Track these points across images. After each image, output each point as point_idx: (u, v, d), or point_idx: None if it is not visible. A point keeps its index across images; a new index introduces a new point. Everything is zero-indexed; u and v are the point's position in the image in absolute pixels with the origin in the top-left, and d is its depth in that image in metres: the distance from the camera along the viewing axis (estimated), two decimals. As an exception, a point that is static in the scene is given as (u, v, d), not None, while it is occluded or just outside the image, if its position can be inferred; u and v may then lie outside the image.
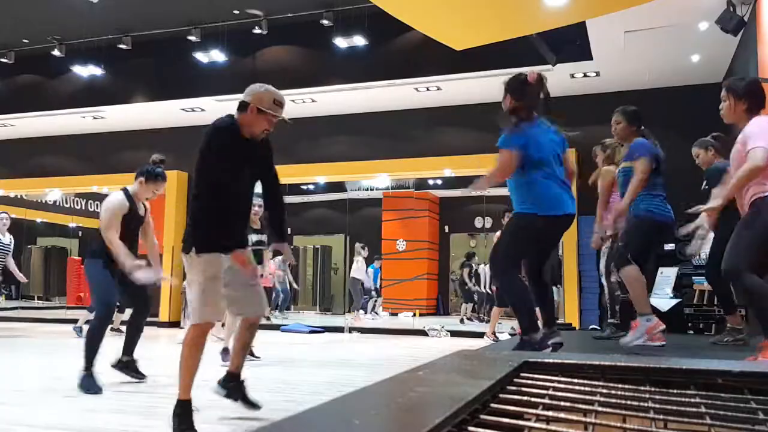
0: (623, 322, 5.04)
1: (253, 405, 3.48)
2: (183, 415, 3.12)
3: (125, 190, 4.67)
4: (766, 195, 3.24)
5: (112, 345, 4.83)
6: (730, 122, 3.54)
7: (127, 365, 4.71)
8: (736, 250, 3.28)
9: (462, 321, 12.60)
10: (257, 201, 6.04)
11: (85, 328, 5.22)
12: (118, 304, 5.24)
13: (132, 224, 4.64)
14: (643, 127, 4.27)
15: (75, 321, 9.30)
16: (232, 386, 3.48)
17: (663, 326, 3.75)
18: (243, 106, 3.24)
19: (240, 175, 3.22)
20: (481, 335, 9.31)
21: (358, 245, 13.41)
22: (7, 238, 8.67)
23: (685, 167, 5.20)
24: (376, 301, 14.11)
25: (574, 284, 9.13)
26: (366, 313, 13.17)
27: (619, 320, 5.06)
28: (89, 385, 4.25)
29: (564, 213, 3.53)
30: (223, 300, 3.24)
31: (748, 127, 3.33)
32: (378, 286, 14.20)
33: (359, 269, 13.11)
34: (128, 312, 5.20)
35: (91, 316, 4.76)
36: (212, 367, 5.37)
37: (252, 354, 6.06)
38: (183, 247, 3.20)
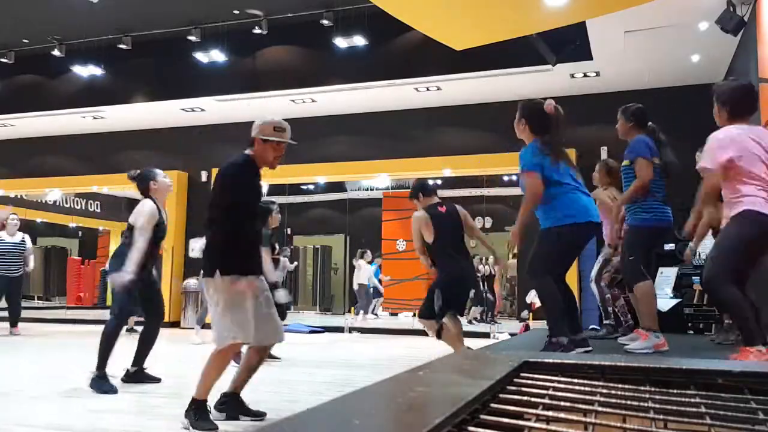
0: (617, 321, 5.06)
1: (257, 415, 3.48)
2: (198, 410, 3.22)
3: (153, 200, 4.70)
4: (740, 212, 3.17)
5: (126, 346, 4.82)
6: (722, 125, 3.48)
7: (136, 375, 4.71)
8: (715, 262, 3.25)
9: (470, 322, 12.64)
10: (275, 206, 6.18)
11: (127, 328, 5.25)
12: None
13: (159, 233, 4.68)
14: (650, 124, 4.16)
15: (75, 321, 9.31)
16: (230, 406, 3.48)
17: (667, 348, 3.79)
18: (251, 143, 3.43)
19: (257, 204, 3.43)
20: (482, 336, 9.32)
21: (360, 252, 13.44)
22: (19, 237, 8.71)
23: (684, 168, 5.19)
24: (377, 301, 14.12)
25: (574, 285, 9.13)
26: (366, 313, 13.19)
27: (614, 321, 5.07)
28: (102, 385, 4.26)
29: (591, 220, 3.63)
30: (251, 321, 3.27)
31: (708, 141, 3.28)
32: (379, 285, 14.19)
33: (364, 275, 13.14)
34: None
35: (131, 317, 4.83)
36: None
37: (272, 355, 6.04)
38: (204, 273, 3.31)
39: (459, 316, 5.10)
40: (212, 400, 3.46)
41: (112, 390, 4.25)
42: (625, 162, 4.07)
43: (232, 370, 3.55)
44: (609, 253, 5.08)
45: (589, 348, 3.65)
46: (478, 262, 13.52)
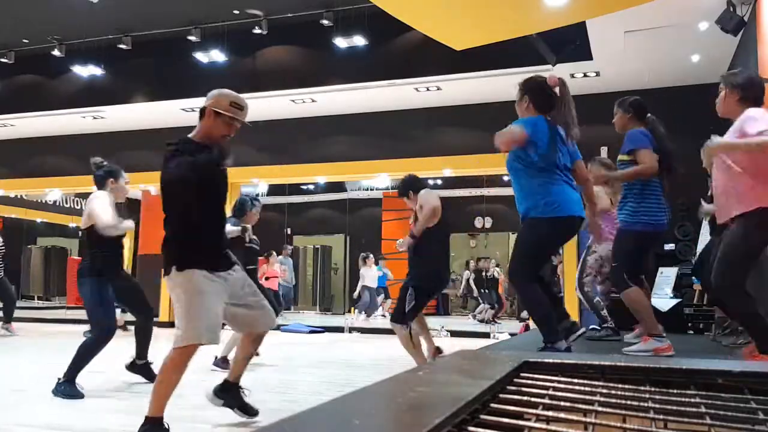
0: (618, 323, 5.01)
1: (251, 412, 3.45)
2: (153, 430, 3.01)
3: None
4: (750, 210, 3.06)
5: (122, 345, 4.82)
6: (723, 115, 3.39)
7: (140, 368, 4.71)
8: (725, 266, 3.14)
9: (484, 321, 12.68)
10: (258, 202, 6.04)
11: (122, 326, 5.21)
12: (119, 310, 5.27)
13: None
14: (649, 115, 4.00)
15: (75, 321, 9.29)
16: (230, 395, 3.44)
17: (672, 352, 3.64)
18: (201, 112, 3.23)
19: (207, 193, 3.14)
20: (482, 336, 9.32)
21: (362, 256, 13.47)
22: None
23: (684, 168, 5.19)
24: (386, 303, 14.12)
25: (574, 285, 9.13)
26: (368, 315, 13.20)
27: (612, 324, 5.00)
28: (70, 391, 4.18)
29: (573, 215, 3.44)
30: (215, 318, 3.08)
31: (745, 113, 3.12)
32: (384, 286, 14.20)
33: (371, 277, 13.18)
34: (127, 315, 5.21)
35: (126, 316, 4.79)
36: (209, 374, 5.37)
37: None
38: (164, 271, 3.10)
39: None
40: (209, 393, 3.45)
41: (79, 395, 4.16)
42: (623, 157, 3.88)
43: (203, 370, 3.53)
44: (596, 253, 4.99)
45: (582, 330, 3.61)
46: (487, 264, 13.57)
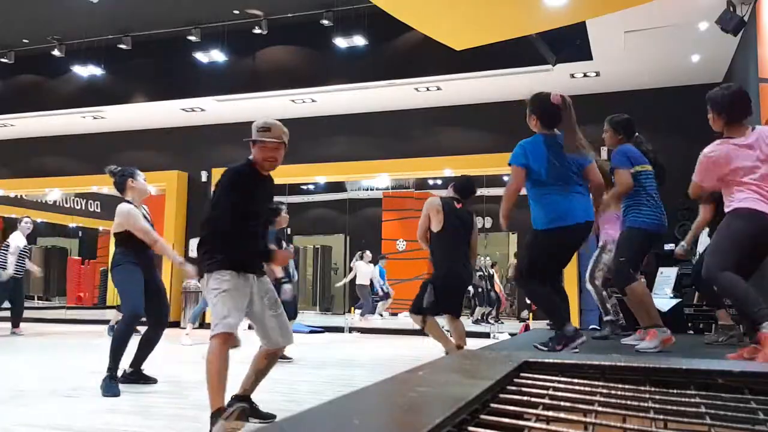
0: (628, 322, 5.05)
1: (266, 417, 3.45)
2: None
3: (129, 201, 4.76)
4: (731, 209, 3.31)
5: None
6: (717, 131, 3.56)
7: (132, 376, 4.71)
8: (712, 256, 3.35)
9: (477, 321, 12.67)
10: (283, 206, 6.22)
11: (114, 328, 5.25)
12: None
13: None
14: (637, 135, 4.29)
15: (75, 321, 9.31)
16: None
17: (674, 341, 3.86)
18: (251, 146, 3.45)
19: (254, 211, 3.35)
20: (482, 336, 9.32)
21: (359, 253, 13.46)
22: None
23: (684, 168, 5.19)
24: (384, 303, 14.11)
25: (574, 284, 9.13)
26: (363, 315, 13.19)
27: (614, 317, 5.09)
28: (108, 387, 4.26)
29: (578, 222, 3.65)
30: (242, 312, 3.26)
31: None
32: (385, 287, 14.19)
33: (364, 275, 13.15)
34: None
35: (120, 317, 4.80)
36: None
37: (284, 356, 6.03)
38: (199, 276, 3.30)
39: (458, 318, 5.13)
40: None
41: (116, 392, 4.25)
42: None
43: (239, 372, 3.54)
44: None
45: (584, 338, 3.72)
46: (483, 261, 13.56)
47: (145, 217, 4.75)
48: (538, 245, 3.72)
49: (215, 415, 3.07)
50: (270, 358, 3.46)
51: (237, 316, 3.21)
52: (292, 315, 6.11)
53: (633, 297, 3.96)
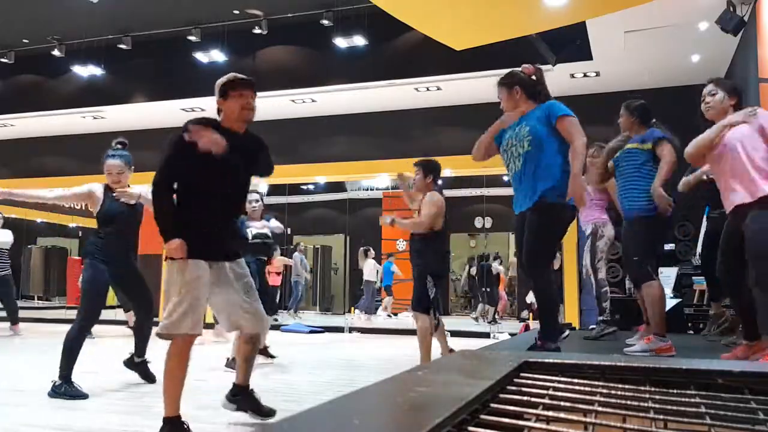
0: (630, 318, 5.03)
1: (263, 412, 3.37)
2: (174, 430, 2.93)
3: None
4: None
5: (117, 344, 4.82)
6: (713, 118, 3.50)
7: (137, 366, 4.71)
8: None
9: (493, 321, 12.69)
10: (254, 196, 6.07)
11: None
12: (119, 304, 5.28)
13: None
14: (654, 120, 4.15)
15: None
16: (241, 398, 3.37)
17: (673, 352, 3.65)
18: (218, 111, 3.42)
19: (216, 175, 3.11)
20: (482, 336, 9.32)
21: (362, 250, 13.54)
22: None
23: (684, 168, 5.20)
24: (386, 301, 14.14)
25: (574, 284, 9.13)
26: (362, 312, 13.23)
27: (608, 317, 5.03)
28: (70, 391, 4.14)
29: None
30: (202, 308, 3.03)
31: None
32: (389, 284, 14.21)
33: (371, 271, 13.27)
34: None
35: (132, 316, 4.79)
36: (215, 373, 5.37)
37: (268, 354, 6.02)
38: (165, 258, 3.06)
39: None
40: (221, 394, 3.44)
41: (83, 394, 4.12)
42: (634, 145, 4.04)
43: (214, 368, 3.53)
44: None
45: (566, 333, 3.69)
46: (491, 261, 13.59)
47: (117, 199, 4.69)
48: (553, 219, 3.41)
49: (170, 423, 2.94)
50: (251, 341, 3.26)
51: (197, 314, 2.99)
52: (270, 310, 6.00)
53: (647, 297, 3.81)
